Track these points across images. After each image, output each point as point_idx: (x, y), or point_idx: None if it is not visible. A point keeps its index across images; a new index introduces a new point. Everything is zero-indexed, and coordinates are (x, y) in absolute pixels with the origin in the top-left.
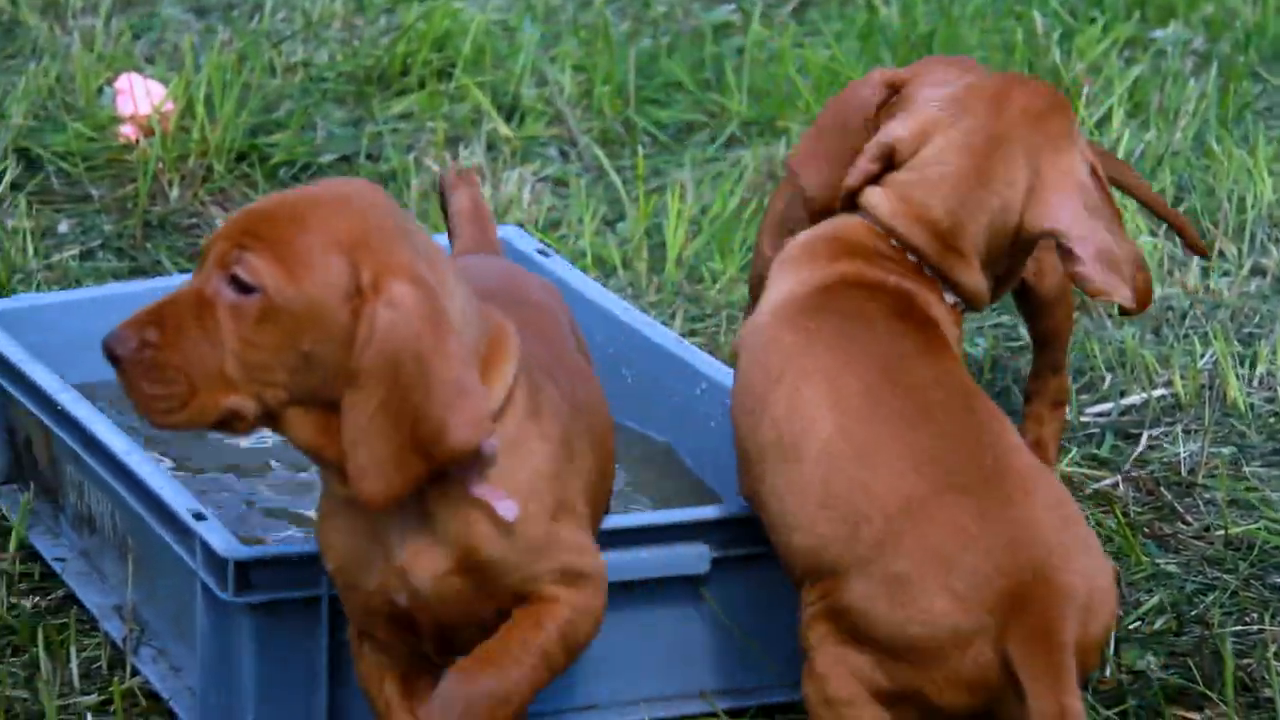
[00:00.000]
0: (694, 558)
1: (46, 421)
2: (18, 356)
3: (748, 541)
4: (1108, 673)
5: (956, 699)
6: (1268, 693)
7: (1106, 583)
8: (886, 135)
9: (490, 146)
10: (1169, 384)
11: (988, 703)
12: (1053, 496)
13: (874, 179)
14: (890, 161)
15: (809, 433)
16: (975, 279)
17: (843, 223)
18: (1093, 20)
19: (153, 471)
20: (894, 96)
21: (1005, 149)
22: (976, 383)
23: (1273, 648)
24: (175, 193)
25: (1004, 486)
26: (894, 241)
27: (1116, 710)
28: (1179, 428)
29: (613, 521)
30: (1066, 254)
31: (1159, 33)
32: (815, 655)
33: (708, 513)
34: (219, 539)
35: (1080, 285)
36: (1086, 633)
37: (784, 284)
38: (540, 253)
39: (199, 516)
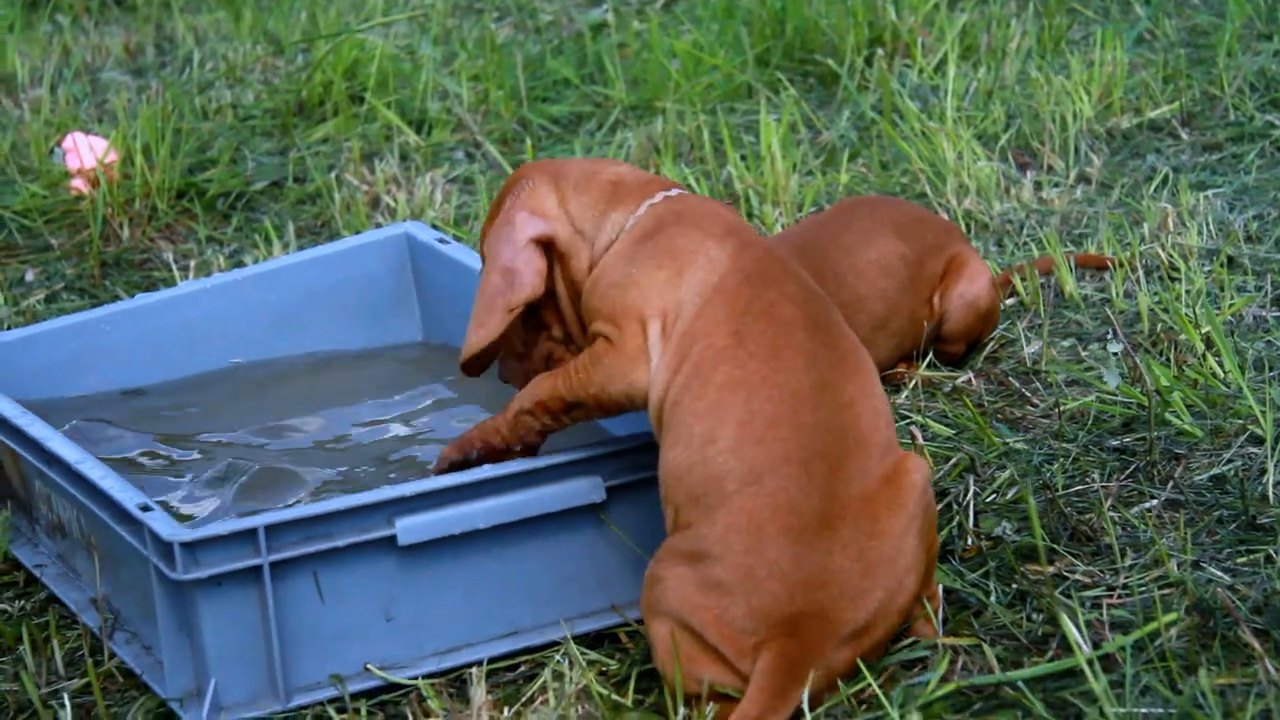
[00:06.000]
0: (590, 488)
1: (11, 444)
2: None
3: (638, 468)
4: (969, 542)
5: (719, 670)
6: (1107, 540)
7: (900, 604)
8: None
9: (403, 157)
10: (1012, 289)
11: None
12: (876, 539)
13: None
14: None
15: (713, 435)
16: None
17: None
18: None
19: (103, 475)
20: None
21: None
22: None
23: (1108, 501)
24: (126, 233)
25: (833, 535)
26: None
27: (980, 573)
28: (1021, 326)
29: (513, 466)
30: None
31: None
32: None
33: (598, 448)
34: (164, 526)
35: None
36: (861, 643)
37: (695, 272)
38: (440, 241)
39: (145, 508)
